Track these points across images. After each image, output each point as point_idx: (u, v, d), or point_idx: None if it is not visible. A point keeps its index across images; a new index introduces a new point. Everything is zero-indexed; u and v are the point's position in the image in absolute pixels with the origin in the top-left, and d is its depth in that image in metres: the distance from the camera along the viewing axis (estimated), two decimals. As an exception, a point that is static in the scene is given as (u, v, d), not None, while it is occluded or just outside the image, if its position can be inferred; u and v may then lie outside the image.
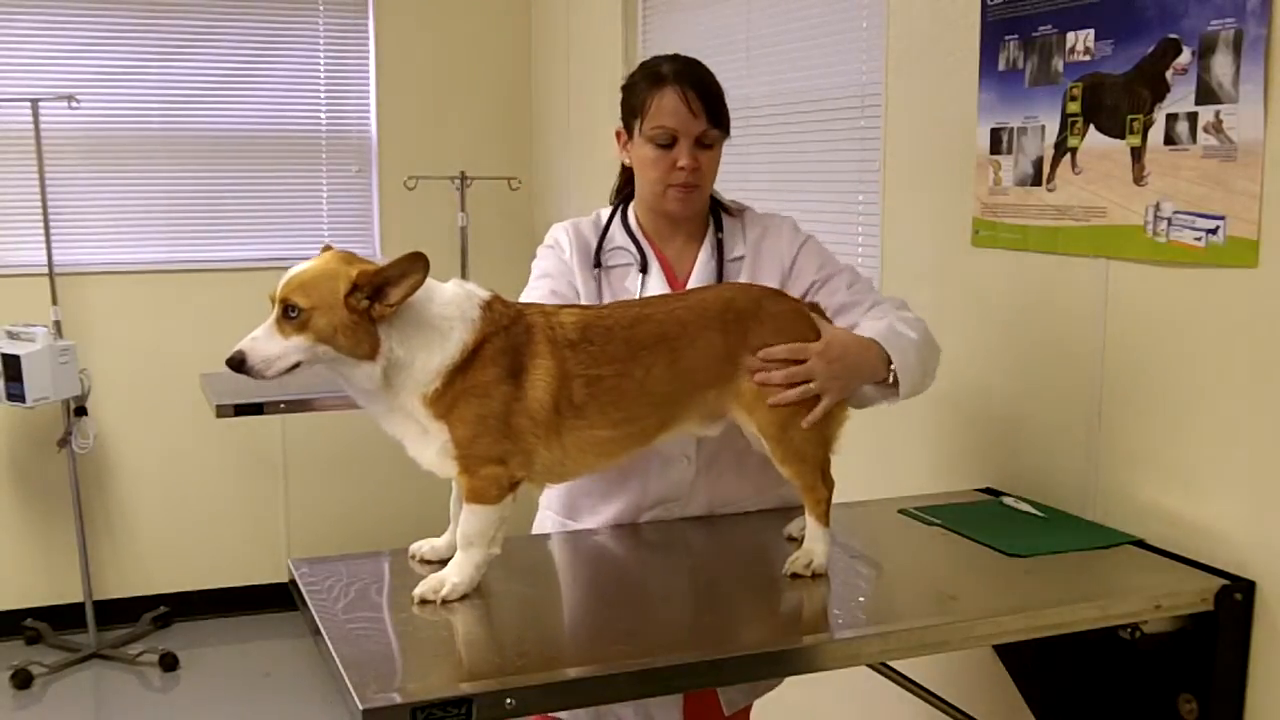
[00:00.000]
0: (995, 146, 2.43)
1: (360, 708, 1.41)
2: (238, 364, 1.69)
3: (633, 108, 2.13)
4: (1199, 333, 2.01)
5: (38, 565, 4.76)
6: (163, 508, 4.88)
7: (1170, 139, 2.03)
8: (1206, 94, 1.96)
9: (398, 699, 1.43)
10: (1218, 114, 1.94)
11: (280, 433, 4.96)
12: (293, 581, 1.86)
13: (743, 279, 2.14)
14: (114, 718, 4.25)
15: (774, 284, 2.12)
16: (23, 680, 4.33)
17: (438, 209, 4.82)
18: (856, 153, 2.99)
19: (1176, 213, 2.03)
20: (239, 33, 4.80)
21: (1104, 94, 2.17)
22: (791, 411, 1.88)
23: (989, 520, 2.19)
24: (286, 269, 1.74)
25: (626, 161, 2.20)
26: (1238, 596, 1.89)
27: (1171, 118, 2.03)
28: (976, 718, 2.39)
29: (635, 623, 1.78)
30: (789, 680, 2.22)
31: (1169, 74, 2.02)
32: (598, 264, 2.18)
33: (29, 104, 4.43)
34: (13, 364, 4.20)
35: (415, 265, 1.68)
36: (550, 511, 2.24)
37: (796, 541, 1.96)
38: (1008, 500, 2.31)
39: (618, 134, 2.19)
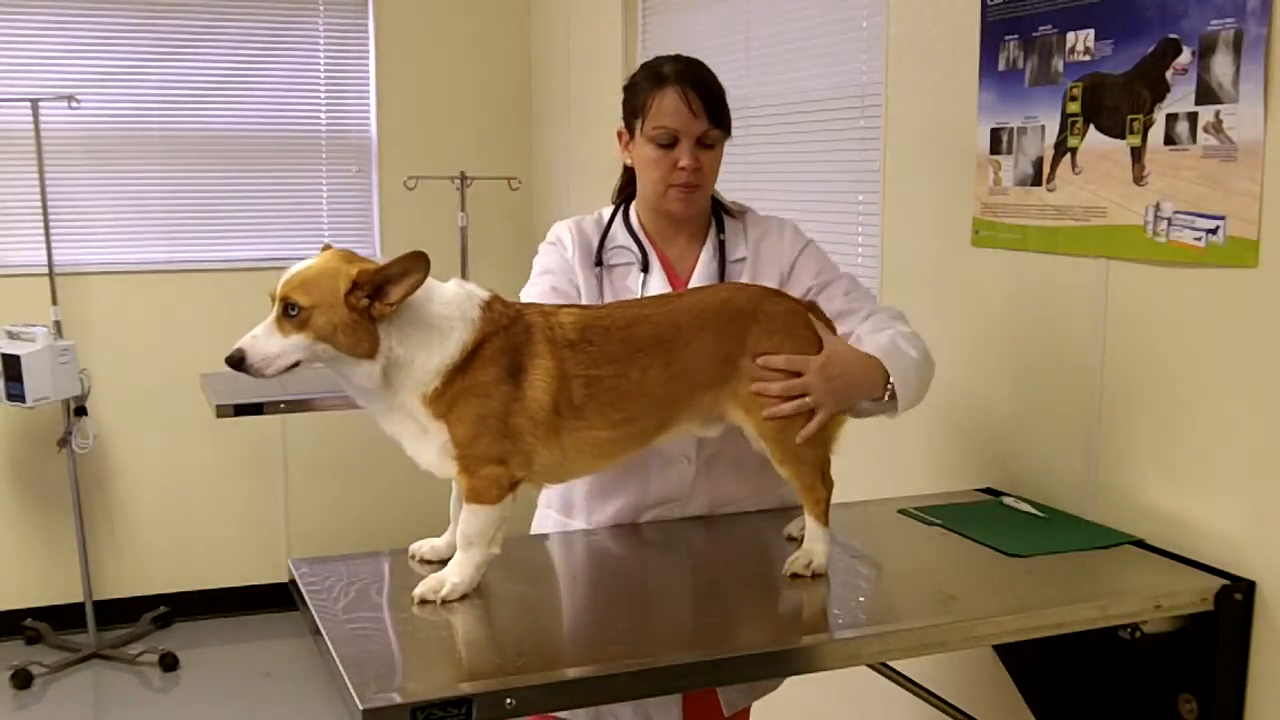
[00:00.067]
0: (995, 146, 2.43)
1: (360, 708, 1.41)
2: (237, 362, 1.69)
3: (634, 108, 2.13)
4: (1199, 333, 2.01)
5: (38, 565, 4.76)
6: (163, 508, 4.88)
7: (1170, 139, 2.03)
8: (1206, 94, 1.96)
9: (398, 699, 1.43)
10: (1218, 114, 1.94)
11: (280, 433, 4.97)
12: (293, 581, 1.86)
13: (744, 280, 2.14)
14: (114, 718, 4.25)
15: (773, 286, 2.12)
16: (23, 680, 4.33)
17: (438, 209, 4.82)
18: (856, 153, 2.99)
19: (1176, 213, 2.03)
20: (239, 33, 4.80)
21: (1104, 94, 2.17)
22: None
23: (989, 520, 2.19)
24: (286, 269, 1.74)
25: (628, 162, 2.20)
26: (1238, 596, 1.89)
27: (1171, 118, 2.03)
28: (976, 718, 2.39)
29: (635, 622, 1.78)
30: (789, 680, 2.23)
31: (1169, 74, 2.03)
32: (599, 262, 2.18)
33: (29, 104, 4.43)
34: (13, 364, 4.21)
35: (416, 264, 1.68)
36: (550, 510, 2.24)
37: (796, 541, 1.96)
38: (1008, 500, 2.31)
39: (619, 134, 2.19)
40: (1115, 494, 2.19)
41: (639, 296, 2.11)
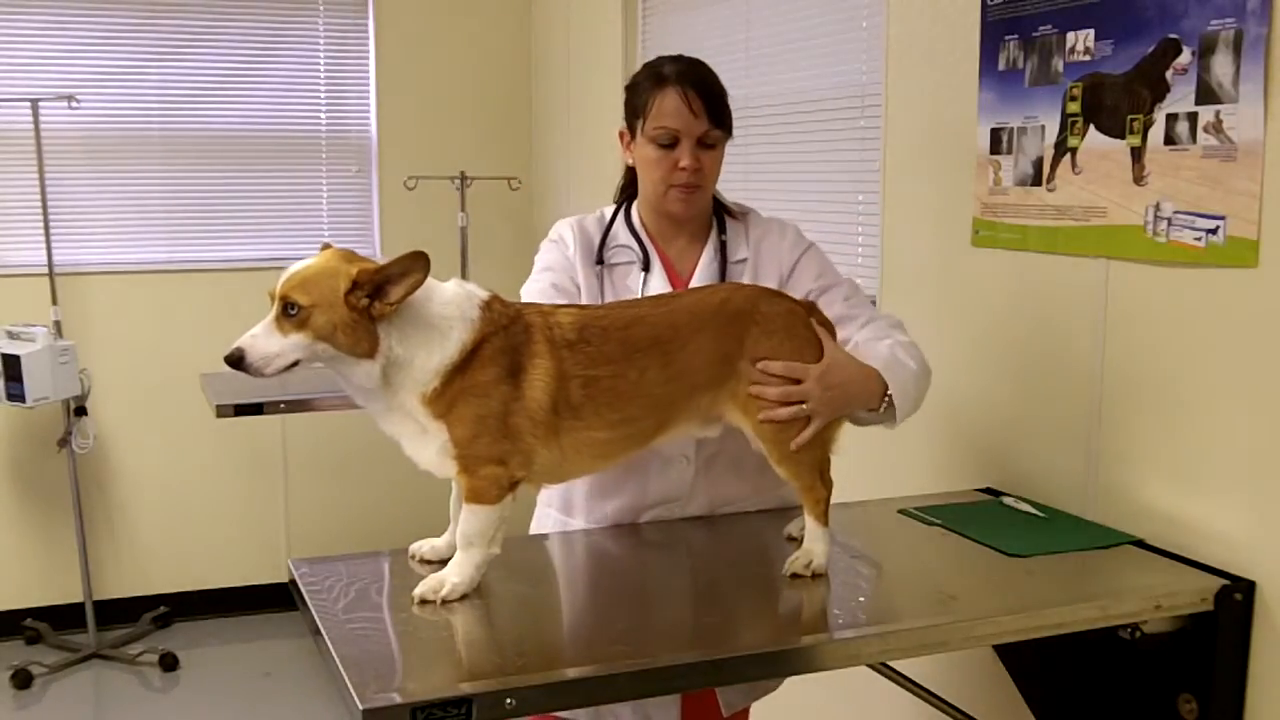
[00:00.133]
0: (995, 146, 2.43)
1: (360, 708, 1.41)
2: (236, 361, 1.69)
3: (635, 108, 2.13)
4: (1199, 333, 2.01)
5: (38, 565, 4.76)
6: (163, 508, 4.88)
7: (1170, 139, 2.03)
8: (1206, 94, 1.96)
9: (398, 699, 1.43)
10: (1218, 114, 1.94)
11: (280, 433, 4.97)
12: (293, 581, 1.86)
13: (744, 282, 2.14)
14: (114, 718, 4.25)
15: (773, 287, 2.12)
16: (23, 680, 4.33)
17: (438, 209, 4.82)
18: (856, 153, 2.99)
19: (1176, 213, 2.03)
20: (239, 33, 4.80)
21: (1104, 94, 2.17)
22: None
23: (989, 520, 2.19)
24: (286, 268, 1.73)
25: (629, 162, 2.20)
26: (1238, 596, 1.89)
27: (1171, 118, 2.03)
28: (976, 718, 2.38)
29: (635, 623, 1.78)
30: (789, 680, 2.22)
31: (1169, 74, 2.02)
32: (600, 261, 2.18)
33: (29, 104, 4.43)
34: (13, 364, 4.21)
35: (416, 264, 1.68)
36: (550, 509, 2.24)
37: (796, 541, 1.96)
38: (1008, 500, 2.31)
39: (621, 134, 2.19)
40: (1115, 494, 2.19)
41: (639, 296, 2.11)
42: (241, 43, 4.81)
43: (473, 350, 1.73)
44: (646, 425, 1.86)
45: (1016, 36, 2.37)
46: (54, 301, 4.53)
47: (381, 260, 1.70)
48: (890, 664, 2.38)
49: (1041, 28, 2.30)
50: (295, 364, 1.70)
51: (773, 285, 2.13)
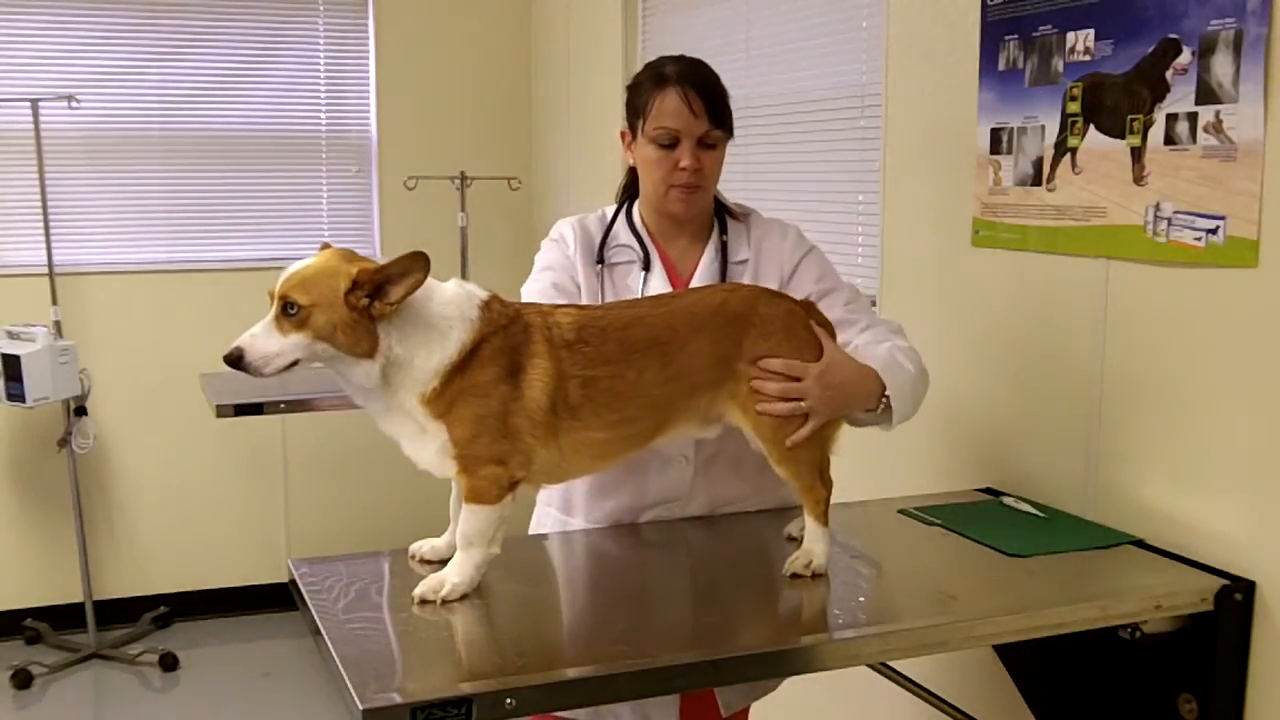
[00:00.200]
0: (995, 146, 2.43)
1: (360, 708, 1.41)
2: (236, 360, 1.69)
3: (636, 108, 2.13)
4: (1199, 333, 2.01)
5: (38, 565, 4.76)
6: (163, 508, 4.88)
7: (1170, 139, 2.03)
8: (1206, 94, 1.96)
9: (398, 699, 1.43)
10: (1218, 114, 1.94)
11: (280, 433, 4.97)
12: (293, 581, 1.86)
13: (745, 282, 2.14)
14: (114, 718, 4.25)
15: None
16: (23, 680, 4.33)
17: (438, 209, 4.82)
18: (856, 153, 2.99)
19: (1176, 213, 2.03)
20: (239, 33, 4.80)
21: (1104, 94, 2.17)
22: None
23: (989, 520, 2.19)
24: (286, 267, 1.73)
25: (630, 162, 2.20)
26: (1238, 596, 1.89)
27: (1171, 118, 2.03)
28: (976, 718, 2.38)
29: (635, 623, 1.78)
30: (789, 680, 2.22)
31: (1169, 74, 2.02)
32: (601, 260, 2.18)
33: (29, 104, 4.43)
34: (13, 364, 4.21)
35: (416, 264, 1.68)
36: (549, 508, 2.24)
37: (796, 541, 1.96)
38: (1008, 500, 2.31)
39: (622, 134, 2.19)
40: (1115, 494, 2.19)
41: (639, 296, 2.11)
42: (241, 43, 4.81)
43: (472, 350, 1.73)
44: (645, 426, 1.86)
45: (1016, 36, 2.37)
46: (54, 301, 4.53)
47: (381, 260, 1.70)
48: (890, 664, 2.38)
49: (1041, 28, 2.30)
50: (295, 364, 1.70)
51: (773, 287, 2.13)
